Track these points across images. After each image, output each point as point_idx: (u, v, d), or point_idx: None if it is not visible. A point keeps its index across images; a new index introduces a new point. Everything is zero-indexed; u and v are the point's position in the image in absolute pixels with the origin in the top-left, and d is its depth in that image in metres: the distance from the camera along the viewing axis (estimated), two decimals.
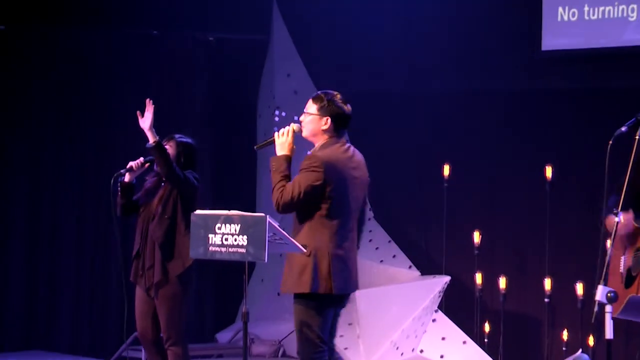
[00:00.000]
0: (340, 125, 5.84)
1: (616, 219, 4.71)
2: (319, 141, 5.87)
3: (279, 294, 10.70)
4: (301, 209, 5.78)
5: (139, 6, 10.47)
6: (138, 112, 6.87)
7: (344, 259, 5.80)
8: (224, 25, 10.98)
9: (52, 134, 10.61)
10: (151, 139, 6.85)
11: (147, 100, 6.85)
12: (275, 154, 5.81)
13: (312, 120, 5.86)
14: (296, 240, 5.75)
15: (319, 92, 5.96)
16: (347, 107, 5.85)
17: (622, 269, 4.97)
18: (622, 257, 4.98)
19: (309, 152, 5.92)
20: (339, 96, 5.86)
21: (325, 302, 5.80)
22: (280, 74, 11.04)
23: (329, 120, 5.82)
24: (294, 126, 5.86)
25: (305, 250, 5.74)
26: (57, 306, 10.57)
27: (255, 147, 6.05)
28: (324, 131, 5.84)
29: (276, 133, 5.86)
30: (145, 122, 6.86)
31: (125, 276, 7.25)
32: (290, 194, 5.70)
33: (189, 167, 7.13)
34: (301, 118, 5.93)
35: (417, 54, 9.84)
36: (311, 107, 5.87)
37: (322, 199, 5.78)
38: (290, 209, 5.77)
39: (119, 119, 10.27)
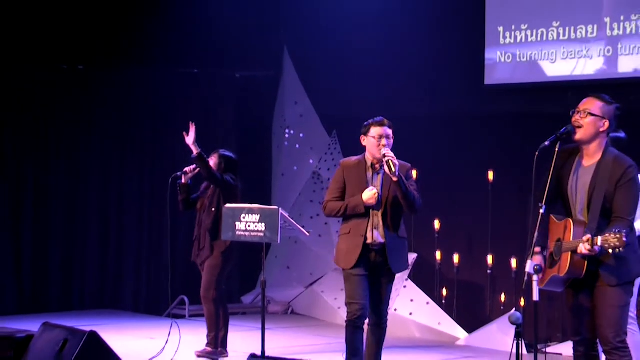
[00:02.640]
0: None
1: (541, 211, 4.68)
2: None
3: (288, 268, 10.71)
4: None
5: (182, 51, 10.47)
6: (184, 133, 6.94)
7: None
8: (247, 64, 10.97)
9: (116, 144, 10.60)
10: (194, 151, 6.94)
11: (191, 122, 6.95)
12: (390, 171, 5.74)
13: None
14: (397, 229, 5.84)
15: (384, 118, 5.92)
16: None
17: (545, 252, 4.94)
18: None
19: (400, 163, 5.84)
20: None
21: None
22: (289, 102, 11.04)
23: None
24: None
25: (308, 234, 5.78)
26: (122, 275, 10.57)
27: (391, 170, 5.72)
28: None
29: (391, 158, 5.77)
30: (190, 139, 6.95)
31: (172, 251, 7.30)
32: None
33: (229, 172, 7.19)
34: (387, 143, 5.86)
35: (395, 86, 9.83)
36: (390, 132, 5.87)
37: None
38: None
39: (167, 136, 10.25)
